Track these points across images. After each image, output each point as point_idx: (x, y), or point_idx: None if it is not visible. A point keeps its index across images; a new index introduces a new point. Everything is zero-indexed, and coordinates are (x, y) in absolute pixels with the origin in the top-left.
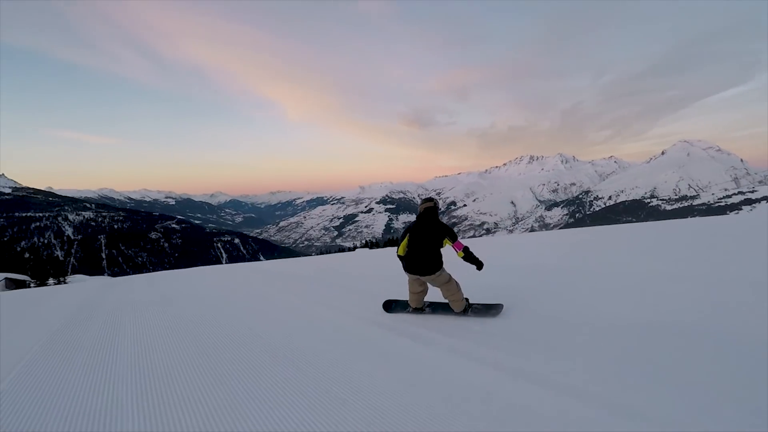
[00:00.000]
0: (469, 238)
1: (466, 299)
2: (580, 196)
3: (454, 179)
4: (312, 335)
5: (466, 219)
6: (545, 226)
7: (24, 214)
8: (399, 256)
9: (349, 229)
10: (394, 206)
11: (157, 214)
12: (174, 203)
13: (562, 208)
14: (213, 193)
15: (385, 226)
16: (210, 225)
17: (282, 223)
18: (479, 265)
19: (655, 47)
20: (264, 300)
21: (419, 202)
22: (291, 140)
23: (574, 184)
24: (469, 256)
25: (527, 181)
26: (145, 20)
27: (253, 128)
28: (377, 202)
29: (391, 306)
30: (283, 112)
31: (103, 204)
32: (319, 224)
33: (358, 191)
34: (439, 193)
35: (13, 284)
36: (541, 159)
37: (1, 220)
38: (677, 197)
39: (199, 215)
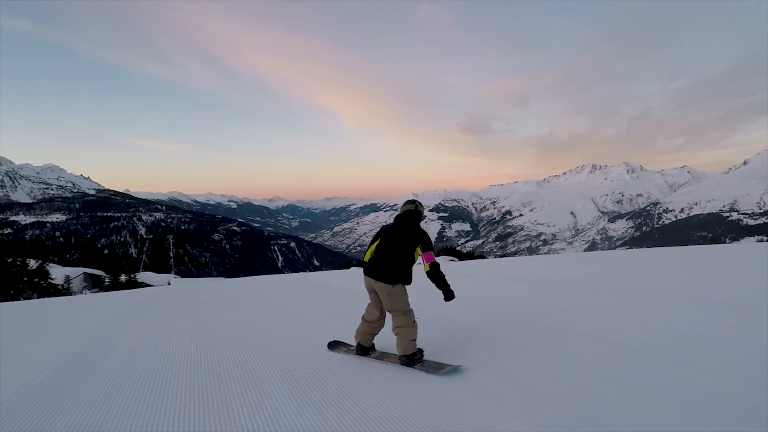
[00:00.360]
0: (524, 249)
1: (419, 349)
2: (648, 208)
3: (509, 188)
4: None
5: (522, 229)
6: (608, 239)
7: (105, 214)
8: (363, 261)
9: None
10: (447, 214)
11: (220, 216)
12: (236, 207)
13: (626, 220)
14: (271, 197)
15: (438, 234)
16: (268, 228)
17: (336, 228)
18: (447, 294)
19: (735, 48)
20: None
21: (473, 210)
22: (346, 147)
23: (641, 195)
24: (435, 275)
25: (589, 191)
26: (216, 34)
27: (311, 135)
28: (430, 210)
29: (335, 346)
30: (340, 120)
31: (173, 206)
32: (371, 230)
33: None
34: (494, 201)
35: (90, 278)
36: (604, 168)
37: (86, 218)
38: (761, 211)
39: (258, 218)
